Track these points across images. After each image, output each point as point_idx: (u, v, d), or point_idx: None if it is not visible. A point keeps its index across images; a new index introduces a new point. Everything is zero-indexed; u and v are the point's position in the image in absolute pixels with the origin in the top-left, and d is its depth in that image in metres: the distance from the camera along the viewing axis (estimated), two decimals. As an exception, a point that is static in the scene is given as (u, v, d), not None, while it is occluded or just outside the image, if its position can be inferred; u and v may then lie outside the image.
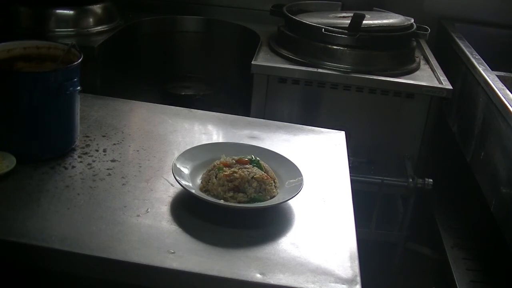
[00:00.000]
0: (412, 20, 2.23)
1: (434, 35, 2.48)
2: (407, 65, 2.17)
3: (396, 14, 2.30)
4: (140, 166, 1.35)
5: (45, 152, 1.34)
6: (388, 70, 2.10)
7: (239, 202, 1.20)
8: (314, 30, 2.10)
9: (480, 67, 2.08)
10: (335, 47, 2.08)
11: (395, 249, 2.24)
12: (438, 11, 2.64)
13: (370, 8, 2.44)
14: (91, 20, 2.21)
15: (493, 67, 2.10)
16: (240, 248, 1.13)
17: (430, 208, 2.47)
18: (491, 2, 2.62)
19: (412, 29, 2.19)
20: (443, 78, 2.11)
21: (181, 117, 1.63)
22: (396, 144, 2.14)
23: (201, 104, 2.39)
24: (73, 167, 1.32)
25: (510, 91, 1.87)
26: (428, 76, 2.15)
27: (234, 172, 1.23)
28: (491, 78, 1.96)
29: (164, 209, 1.20)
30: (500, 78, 1.99)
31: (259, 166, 1.27)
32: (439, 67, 2.21)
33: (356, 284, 1.06)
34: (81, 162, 1.35)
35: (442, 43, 2.53)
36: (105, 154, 1.39)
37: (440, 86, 2.05)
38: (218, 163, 1.27)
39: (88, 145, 1.42)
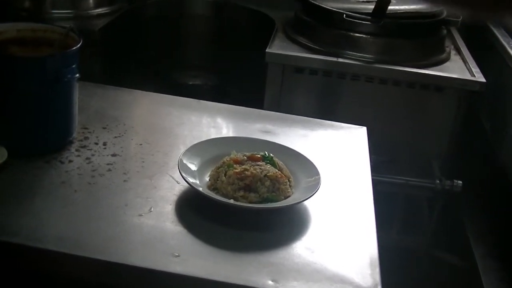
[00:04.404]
0: (442, 6, 2.23)
1: (467, 23, 2.47)
2: (436, 56, 2.17)
3: (425, -1, 2.30)
4: (143, 162, 1.36)
5: (39, 145, 1.34)
6: (415, 60, 2.09)
7: (250, 202, 1.20)
8: (334, 15, 2.10)
9: (517, 58, 2.07)
10: (357, 34, 2.07)
11: (420, 256, 2.23)
12: (471, -4, 2.62)
13: (396, -8, 2.43)
14: (91, 1, 2.22)
15: (531, 58, 2.09)
16: (251, 252, 1.13)
17: (459, 212, 2.46)
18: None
19: (442, 16, 2.18)
20: (475, 70, 2.10)
21: (189, 109, 1.63)
22: (422, 142, 2.14)
23: (210, 95, 2.40)
24: (70, 161, 1.33)
25: (549, 85, 1.86)
26: (459, 67, 2.14)
27: (246, 169, 1.23)
28: (529, 71, 1.95)
29: (169, 209, 1.21)
30: (539, 71, 1.98)
31: (273, 164, 1.27)
32: (471, 58, 2.20)
33: (376, 294, 1.07)
34: (79, 156, 1.35)
35: (476, 31, 2.51)
36: (105, 148, 1.39)
37: (472, 78, 2.04)
38: (228, 159, 1.27)
39: (86, 138, 1.42)
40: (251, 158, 1.28)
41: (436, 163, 2.11)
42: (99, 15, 2.21)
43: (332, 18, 2.11)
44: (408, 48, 2.11)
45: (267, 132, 1.55)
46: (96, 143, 1.41)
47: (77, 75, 1.32)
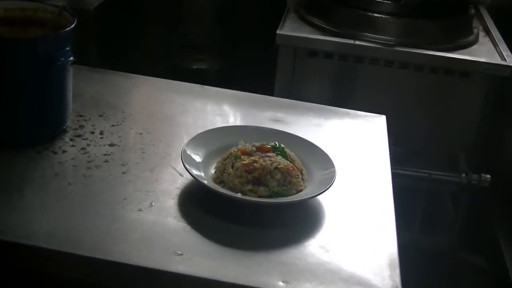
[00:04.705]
0: (470, -17, 2.22)
1: (497, 0, 2.46)
2: (462, 37, 2.16)
3: (451, -24, 2.29)
4: (144, 152, 1.36)
5: (30, 134, 1.34)
6: (439, 43, 2.09)
7: (259, 197, 1.20)
8: (351, -7, 2.10)
9: (552, 40, 2.06)
10: (376, 14, 2.07)
11: (443, 257, 2.23)
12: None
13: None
14: (86, -22, 2.22)
15: None
16: (260, 250, 1.13)
17: (487, 210, 2.46)
18: None
19: (470, -6, 2.18)
20: (506, 53, 2.09)
21: (193, 95, 1.64)
22: (447, 132, 2.13)
23: (216, 80, 2.40)
24: (64, 151, 1.33)
25: None
26: (488, 50, 2.14)
27: (254, 161, 1.23)
28: None
29: (171, 203, 1.21)
30: None
31: (284, 155, 1.27)
32: (502, 40, 2.20)
33: (396, 297, 1.07)
34: (73, 146, 1.35)
35: (507, 10, 2.50)
36: (102, 137, 1.40)
37: (502, 63, 2.03)
38: (236, 150, 1.28)
39: (82, 127, 1.43)
40: (260, 149, 1.28)
41: (462, 156, 2.11)
42: (95, -7, 2.21)
43: (348, -3, 2.11)
44: (432, 29, 2.10)
45: (277, 120, 1.55)
46: (92, 132, 1.41)
47: (71, 58, 1.32)
